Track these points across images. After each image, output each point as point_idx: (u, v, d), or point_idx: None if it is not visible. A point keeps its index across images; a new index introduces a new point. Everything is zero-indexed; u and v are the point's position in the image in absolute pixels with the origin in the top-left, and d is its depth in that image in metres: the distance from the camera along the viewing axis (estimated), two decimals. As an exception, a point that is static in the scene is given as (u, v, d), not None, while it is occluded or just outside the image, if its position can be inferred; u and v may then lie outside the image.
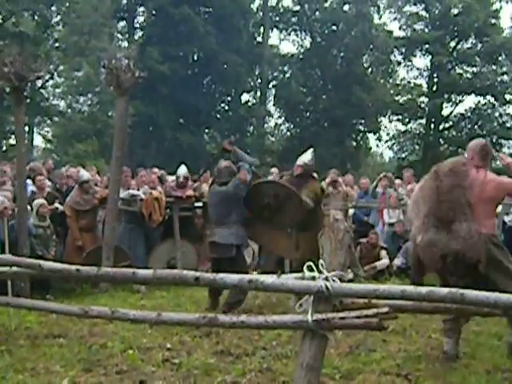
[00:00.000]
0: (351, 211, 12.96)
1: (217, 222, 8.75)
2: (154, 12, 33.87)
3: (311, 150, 9.54)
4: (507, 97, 35.93)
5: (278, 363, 6.09)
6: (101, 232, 11.18)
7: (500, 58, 35.85)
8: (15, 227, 9.57)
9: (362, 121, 36.67)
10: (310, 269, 3.71)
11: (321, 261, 3.74)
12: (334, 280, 3.58)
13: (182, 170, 12.23)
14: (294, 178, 9.29)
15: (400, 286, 3.18)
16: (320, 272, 3.65)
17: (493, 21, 35.52)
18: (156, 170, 14.20)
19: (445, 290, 2.91)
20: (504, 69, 36.01)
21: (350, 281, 3.87)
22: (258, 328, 4.51)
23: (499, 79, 35.85)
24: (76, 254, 10.53)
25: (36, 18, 30.54)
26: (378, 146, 41.42)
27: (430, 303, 3.29)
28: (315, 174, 9.81)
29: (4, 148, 30.31)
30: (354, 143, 37.19)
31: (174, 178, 12.49)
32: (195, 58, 34.42)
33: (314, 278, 3.58)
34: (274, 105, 38.61)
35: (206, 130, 36.16)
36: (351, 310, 3.42)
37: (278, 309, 8.46)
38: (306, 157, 9.35)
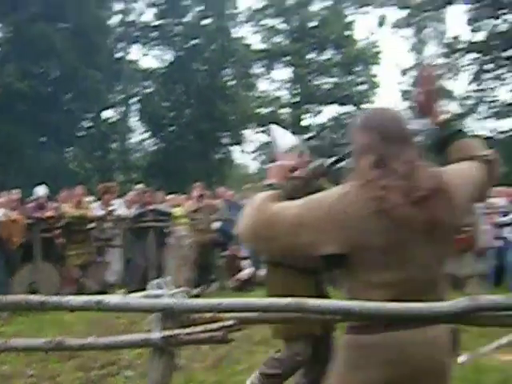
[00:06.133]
0: (217, 224, 13.05)
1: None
2: (11, 28, 32.84)
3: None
4: (365, 106, 37.21)
5: (143, 381, 6.04)
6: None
7: (357, 69, 37.22)
8: None
9: (227, 133, 36.94)
10: (155, 287, 3.73)
11: (166, 278, 3.75)
12: (179, 296, 3.60)
13: (41, 190, 12.06)
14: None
15: (243, 299, 3.24)
16: (164, 289, 3.67)
17: (347, 33, 36.86)
18: (16, 191, 13.76)
19: (288, 299, 3.00)
20: (360, 79, 37.41)
21: (196, 296, 3.91)
22: (108, 348, 4.46)
23: (356, 89, 37.19)
24: None
25: None
26: (242, 158, 41.91)
27: (273, 313, 3.38)
28: None
29: None
30: (219, 156, 37.39)
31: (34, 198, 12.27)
32: (55, 75, 33.62)
33: (158, 296, 3.60)
34: (138, 120, 38.32)
35: (69, 149, 35.23)
36: (198, 325, 3.46)
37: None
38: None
